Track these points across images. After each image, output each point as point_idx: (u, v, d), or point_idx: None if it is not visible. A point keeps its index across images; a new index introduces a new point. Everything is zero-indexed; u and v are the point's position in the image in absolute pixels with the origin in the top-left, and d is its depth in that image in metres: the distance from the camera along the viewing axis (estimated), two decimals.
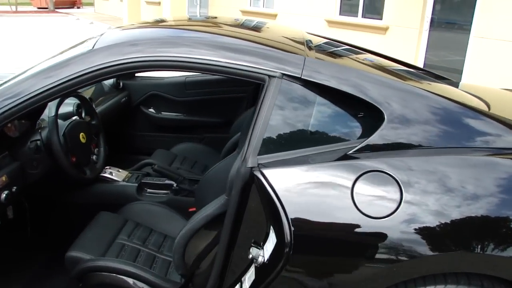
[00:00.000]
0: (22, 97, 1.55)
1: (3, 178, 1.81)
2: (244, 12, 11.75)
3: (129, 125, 3.33)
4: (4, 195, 1.81)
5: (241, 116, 3.06)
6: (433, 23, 7.78)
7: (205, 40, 1.60)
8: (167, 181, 2.49)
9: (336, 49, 1.95)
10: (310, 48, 1.78)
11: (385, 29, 8.38)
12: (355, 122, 1.55)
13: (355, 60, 1.86)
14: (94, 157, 2.32)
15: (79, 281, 1.90)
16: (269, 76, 1.51)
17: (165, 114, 3.30)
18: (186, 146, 3.13)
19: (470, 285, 1.37)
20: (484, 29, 6.63)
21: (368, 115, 1.52)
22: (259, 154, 1.46)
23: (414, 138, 1.46)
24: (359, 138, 1.50)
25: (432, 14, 7.69)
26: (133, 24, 2.02)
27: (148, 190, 2.49)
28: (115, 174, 2.51)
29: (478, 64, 6.68)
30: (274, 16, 10.83)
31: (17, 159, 1.93)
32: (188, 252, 1.76)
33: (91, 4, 23.53)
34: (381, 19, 8.55)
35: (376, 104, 1.48)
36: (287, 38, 1.91)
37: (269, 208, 1.38)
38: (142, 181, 2.50)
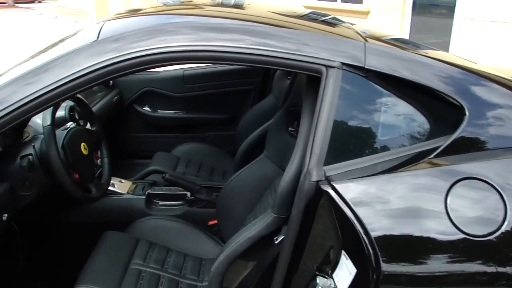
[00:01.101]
0: (5, 108, 1.21)
1: None
2: None
3: (122, 127, 3.00)
4: None
5: (248, 112, 2.77)
6: (415, 6, 7.63)
7: (241, 27, 1.30)
8: (179, 191, 2.18)
9: (383, 36, 1.67)
10: (358, 33, 1.50)
11: (366, 13, 8.20)
12: (430, 119, 1.28)
13: (413, 49, 1.59)
14: (97, 170, 1.97)
15: None
16: (327, 66, 1.22)
17: (162, 112, 2.98)
18: (188, 147, 2.82)
19: None
20: (468, 10, 6.51)
21: (444, 110, 1.26)
22: (325, 164, 1.18)
23: (498, 136, 1.22)
24: (436, 138, 1.24)
25: None
26: (140, 10, 1.69)
27: (159, 202, 2.18)
28: (118, 186, 2.19)
29: (464, 46, 6.55)
30: None
31: (4, 179, 1.59)
32: (227, 280, 1.48)
33: None
34: (361, 3, 8.36)
35: (457, 98, 1.22)
36: (323, 19, 1.63)
37: (344, 231, 1.11)
38: (150, 191, 2.18)
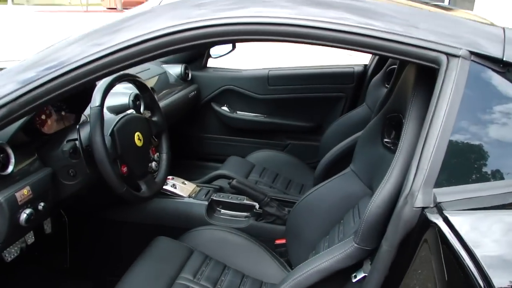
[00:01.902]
0: (58, 69, 1.00)
1: (25, 191, 1.26)
2: None
3: (196, 126, 2.78)
4: (25, 215, 1.26)
5: (337, 121, 2.44)
6: None
7: (345, 3, 1.00)
8: (247, 200, 1.88)
9: None
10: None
11: None
12: None
13: None
14: (153, 165, 1.73)
15: None
16: (449, 55, 0.88)
17: (241, 114, 2.73)
18: (265, 154, 2.52)
19: None
20: None
21: None
22: (436, 185, 0.85)
23: None
24: None
25: None
26: None
27: (222, 211, 1.90)
28: (179, 187, 1.94)
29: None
30: None
31: (47, 164, 1.39)
32: None
33: None
34: None
35: None
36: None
37: (455, 279, 0.77)
38: (214, 198, 1.91)
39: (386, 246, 0.90)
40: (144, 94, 1.68)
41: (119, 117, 1.48)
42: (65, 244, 1.93)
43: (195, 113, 2.73)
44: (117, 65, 0.99)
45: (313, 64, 2.76)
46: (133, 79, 1.58)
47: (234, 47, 2.74)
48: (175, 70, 2.57)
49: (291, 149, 2.69)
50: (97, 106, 1.35)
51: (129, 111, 1.65)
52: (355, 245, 1.03)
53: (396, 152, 1.02)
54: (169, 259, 1.54)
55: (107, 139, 1.39)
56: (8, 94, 1.01)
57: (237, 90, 2.67)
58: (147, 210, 1.86)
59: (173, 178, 1.99)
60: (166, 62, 2.62)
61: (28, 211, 1.27)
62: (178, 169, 2.10)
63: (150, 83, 2.30)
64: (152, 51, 0.98)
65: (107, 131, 1.41)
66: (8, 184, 1.25)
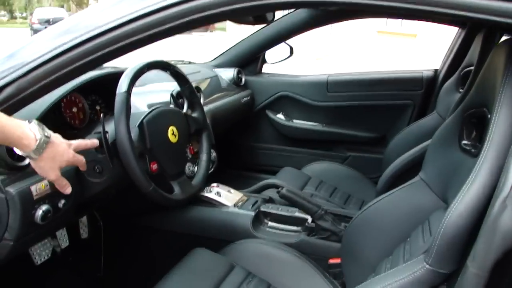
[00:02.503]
0: (69, 41, 0.87)
1: (42, 185, 1.13)
2: None
3: (249, 134, 2.61)
4: (41, 212, 1.13)
5: (403, 131, 2.18)
6: None
7: None
8: (298, 213, 1.67)
9: None
10: None
11: None
12: None
13: None
14: (191, 166, 1.55)
15: None
16: None
17: (297, 122, 2.52)
18: (323, 166, 2.31)
19: None
20: None
21: None
22: None
23: None
24: None
25: None
26: None
27: (269, 223, 1.70)
28: (224, 196, 1.75)
29: None
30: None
31: None
32: None
33: (223, 29, 23.97)
34: None
35: None
36: None
37: None
38: (262, 209, 1.71)
39: (473, 269, 0.68)
40: (183, 86, 1.51)
41: (151, 109, 1.32)
42: (100, 251, 1.80)
43: (248, 121, 2.57)
44: (138, 35, 0.84)
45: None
46: (167, 67, 1.42)
47: (291, 53, 2.57)
48: (227, 74, 2.43)
49: (351, 161, 2.45)
50: (123, 92, 1.20)
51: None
52: (427, 266, 0.80)
53: (481, 153, 0.80)
54: (206, 273, 1.36)
55: (135, 130, 1.23)
56: (17, 69, 0.88)
57: (294, 96, 2.47)
58: (186, 218, 1.70)
59: (218, 186, 1.81)
60: (218, 66, 2.49)
61: (44, 207, 1.14)
62: (225, 179, 1.93)
63: (202, 88, 2.17)
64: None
65: (136, 122, 1.26)
66: (24, 176, 1.13)
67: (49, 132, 1.01)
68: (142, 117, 1.28)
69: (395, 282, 0.84)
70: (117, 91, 1.22)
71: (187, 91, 1.50)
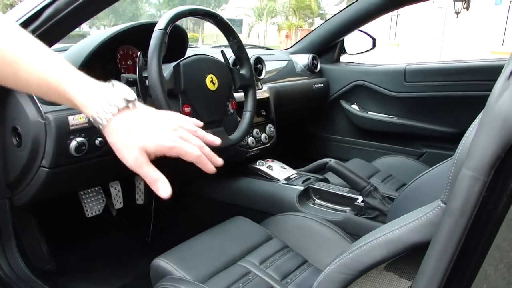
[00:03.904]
0: None
1: (79, 117, 1.18)
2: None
3: (320, 124, 2.53)
4: (76, 143, 1.18)
5: None
6: None
7: None
8: (348, 193, 1.57)
9: None
10: None
11: None
12: None
13: None
14: (229, 119, 1.48)
15: None
16: None
17: (372, 114, 2.39)
18: (395, 160, 2.16)
19: None
20: None
21: None
22: None
23: None
24: None
25: None
26: None
27: (317, 200, 1.62)
28: (277, 170, 1.71)
29: None
30: None
31: None
32: None
33: None
34: None
35: None
36: None
37: None
38: (311, 185, 1.63)
39: (469, 171, 0.56)
40: (230, 40, 1.45)
41: (191, 54, 1.31)
42: (150, 217, 1.84)
43: (321, 111, 2.49)
44: None
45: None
46: (213, 16, 1.37)
47: (374, 45, 2.46)
48: (302, 60, 2.39)
49: (427, 158, 2.26)
50: (160, 29, 1.19)
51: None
52: (442, 205, 0.68)
53: None
54: (240, 239, 1.31)
55: (169, 69, 1.22)
56: None
57: (369, 86, 2.35)
58: (234, 189, 1.67)
59: (272, 161, 1.77)
60: (295, 53, 2.45)
61: (79, 139, 1.18)
62: (287, 162, 1.88)
63: (272, 68, 2.14)
64: None
65: (169, 66, 1.25)
66: (65, 107, 1.18)
67: (131, 95, 0.73)
68: (181, 59, 1.27)
69: (405, 226, 0.73)
70: (154, 28, 1.22)
71: (235, 45, 1.45)
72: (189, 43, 1.56)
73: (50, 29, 1.03)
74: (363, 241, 0.79)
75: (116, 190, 1.79)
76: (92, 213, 1.67)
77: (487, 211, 0.55)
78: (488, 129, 0.53)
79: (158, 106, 1.14)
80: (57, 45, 1.47)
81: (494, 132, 0.52)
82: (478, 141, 0.55)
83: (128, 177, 1.87)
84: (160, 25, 1.20)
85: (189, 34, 12.55)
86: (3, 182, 1.33)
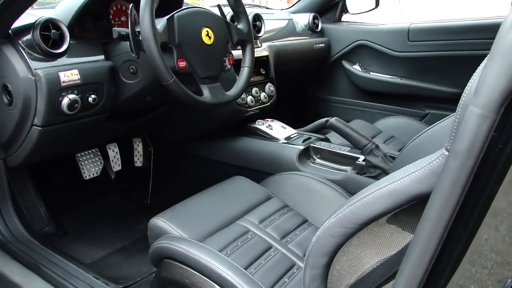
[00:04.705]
0: None
1: (71, 73, 1.14)
2: None
3: (321, 86, 2.48)
4: (68, 100, 1.14)
5: None
6: None
7: None
8: (350, 152, 1.54)
9: None
10: None
11: None
12: None
13: None
14: (226, 75, 1.42)
15: (153, 265, 1.13)
16: None
17: (374, 75, 2.34)
18: (397, 121, 2.11)
19: None
20: None
21: None
22: None
23: None
24: None
25: None
26: None
27: (317, 160, 1.59)
28: (276, 130, 1.68)
29: None
30: None
31: (109, 56, 1.26)
32: (338, 272, 0.81)
33: None
34: None
35: None
36: None
37: None
38: (312, 145, 1.60)
39: (477, 108, 0.52)
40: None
41: (184, 7, 1.25)
42: (148, 178, 1.82)
43: (322, 72, 2.44)
44: None
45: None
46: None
47: (377, 4, 2.38)
48: (303, 19, 2.32)
49: (430, 119, 2.22)
50: None
51: None
52: (446, 153, 0.64)
53: None
54: (239, 199, 1.29)
55: (162, 22, 1.17)
56: None
57: (372, 46, 2.29)
58: (232, 148, 1.64)
59: (272, 121, 1.74)
60: (295, 12, 2.38)
61: (71, 96, 1.15)
62: (287, 121, 1.84)
63: (272, 28, 2.08)
64: None
65: (162, 20, 1.20)
66: (57, 63, 1.15)
67: None
68: (174, 12, 1.21)
69: (407, 176, 0.69)
70: None
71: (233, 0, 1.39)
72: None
73: None
74: (363, 193, 0.76)
75: (114, 152, 1.76)
76: (90, 175, 1.65)
77: (495, 152, 0.51)
78: (499, 62, 0.49)
79: (151, 60, 1.09)
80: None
81: (506, 65, 0.48)
82: (487, 76, 0.51)
83: (126, 139, 1.84)
84: None
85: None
86: None
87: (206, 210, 1.22)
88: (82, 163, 1.67)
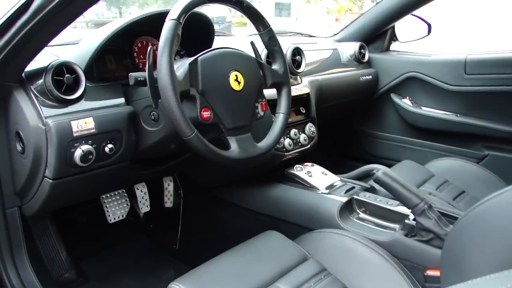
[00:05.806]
0: None
1: (84, 122, 1.04)
2: None
3: (367, 119, 2.31)
4: (81, 151, 1.04)
5: None
6: None
7: None
8: (401, 209, 1.36)
9: None
10: None
11: None
12: None
13: None
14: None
15: None
16: None
17: (426, 110, 2.16)
18: (451, 164, 1.91)
19: None
20: None
21: None
22: None
23: None
24: None
25: None
26: None
27: (361, 214, 1.42)
28: (316, 177, 1.52)
29: None
30: None
31: (130, 104, 1.15)
32: None
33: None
34: None
35: None
36: None
37: None
38: (356, 196, 1.43)
39: None
40: (261, 29, 1.23)
41: (210, 49, 1.12)
42: (178, 222, 1.71)
43: (369, 105, 2.27)
44: None
45: None
46: (238, 2, 1.15)
47: (429, 31, 2.21)
48: (348, 49, 2.17)
49: (489, 162, 2.01)
50: (172, 19, 1.01)
51: None
52: None
53: None
54: (271, 260, 1.15)
55: (184, 67, 1.04)
56: None
57: (424, 78, 2.11)
58: (267, 197, 1.50)
59: (312, 165, 1.58)
60: (340, 41, 2.23)
61: (85, 147, 1.04)
62: (329, 165, 1.68)
63: (315, 60, 1.94)
64: None
65: (185, 61, 1.07)
66: (69, 111, 1.05)
67: None
68: (199, 55, 1.08)
69: None
70: (166, 19, 1.03)
71: (266, 36, 1.23)
72: (228, 31, 1.39)
73: (44, 21, 0.89)
74: None
75: (142, 192, 1.66)
76: (115, 218, 1.55)
77: None
78: None
79: (169, 112, 0.96)
80: (72, 36, 1.34)
81: None
82: None
83: (155, 179, 1.74)
84: (172, 14, 1.01)
85: (235, 20, 11.93)
86: (11, 190, 1.21)
87: (232, 274, 1.08)
88: (107, 205, 1.57)
